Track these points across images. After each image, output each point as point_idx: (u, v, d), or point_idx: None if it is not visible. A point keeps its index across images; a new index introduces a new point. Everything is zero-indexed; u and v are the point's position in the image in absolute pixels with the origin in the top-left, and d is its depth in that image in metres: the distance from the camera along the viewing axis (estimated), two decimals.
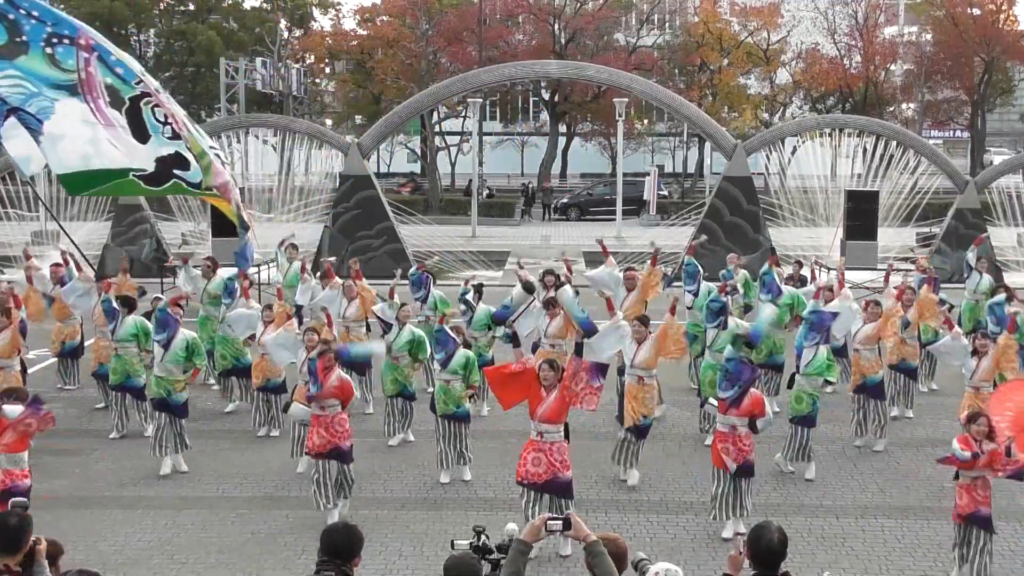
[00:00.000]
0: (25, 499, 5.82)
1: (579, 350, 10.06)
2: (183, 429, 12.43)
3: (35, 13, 10.37)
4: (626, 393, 12.29)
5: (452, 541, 5.64)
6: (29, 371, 16.08)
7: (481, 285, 15.38)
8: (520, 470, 9.89)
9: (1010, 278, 23.42)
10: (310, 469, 10.98)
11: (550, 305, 13.88)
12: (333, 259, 18.35)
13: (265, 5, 58.81)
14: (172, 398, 12.31)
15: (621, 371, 13.23)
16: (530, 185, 50.65)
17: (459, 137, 55.87)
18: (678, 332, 12.56)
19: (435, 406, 12.21)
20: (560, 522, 5.26)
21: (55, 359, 16.33)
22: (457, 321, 14.25)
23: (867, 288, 23.74)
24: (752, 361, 11.21)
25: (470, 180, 43.54)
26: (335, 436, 10.65)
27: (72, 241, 14.91)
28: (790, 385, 12.48)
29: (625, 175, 39.76)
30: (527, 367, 9.91)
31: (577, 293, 13.08)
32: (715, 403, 10.61)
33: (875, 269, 24.40)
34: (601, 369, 10.06)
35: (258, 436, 13.73)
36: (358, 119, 55.83)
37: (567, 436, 9.94)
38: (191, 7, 57.39)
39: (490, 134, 63.90)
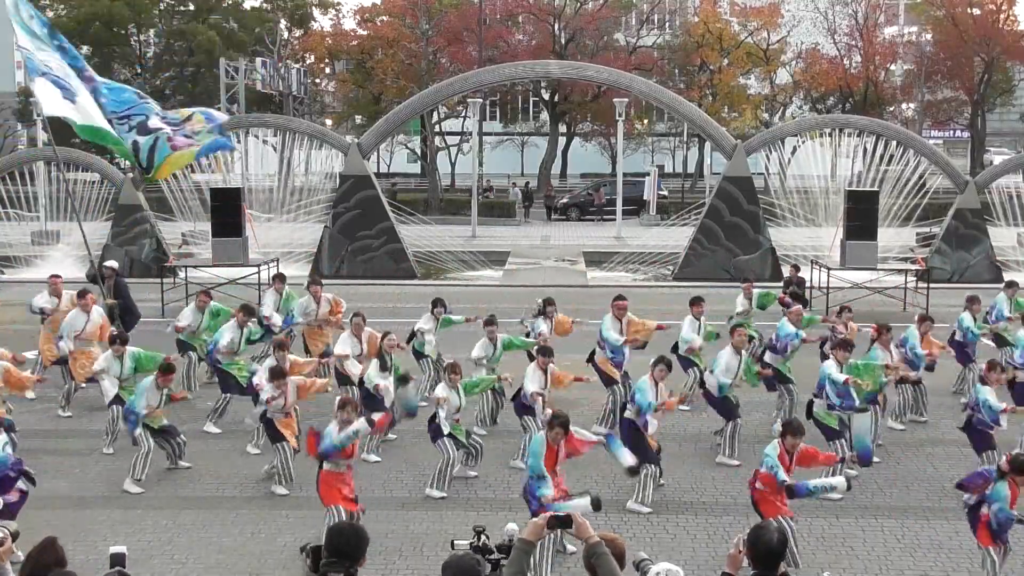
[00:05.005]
0: None
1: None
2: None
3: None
4: None
5: (452, 541, 5.64)
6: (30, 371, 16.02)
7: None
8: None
9: (1010, 278, 23.34)
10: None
11: (544, 354, 12.58)
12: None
13: (265, 5, 58.86)
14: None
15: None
16: (528, 185, 50.63)
17: (459, 137, 55.87)
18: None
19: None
20: (562, 520, 5.24)
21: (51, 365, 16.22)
22: None
23: (867, 288, 23.78)
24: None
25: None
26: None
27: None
28: (808, 415, 12.09)
29: (625, 175, 39.76)
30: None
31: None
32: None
33: (874, 269, 24.39)
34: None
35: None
36: (358, 119, 55.82)
37: None
38: (191, 7, 57.41)
39: (490, 134, 63.87)
